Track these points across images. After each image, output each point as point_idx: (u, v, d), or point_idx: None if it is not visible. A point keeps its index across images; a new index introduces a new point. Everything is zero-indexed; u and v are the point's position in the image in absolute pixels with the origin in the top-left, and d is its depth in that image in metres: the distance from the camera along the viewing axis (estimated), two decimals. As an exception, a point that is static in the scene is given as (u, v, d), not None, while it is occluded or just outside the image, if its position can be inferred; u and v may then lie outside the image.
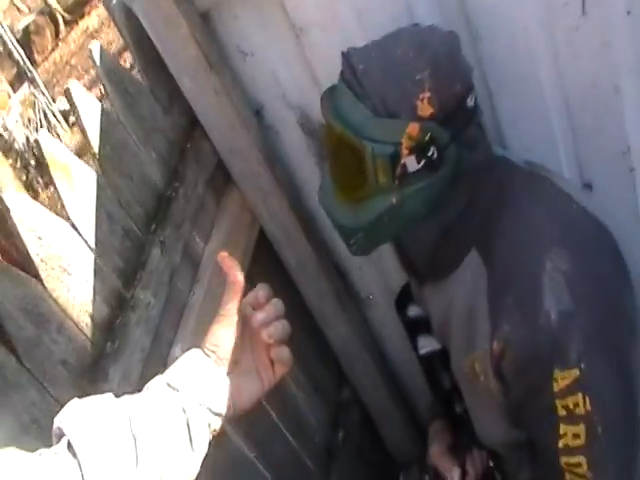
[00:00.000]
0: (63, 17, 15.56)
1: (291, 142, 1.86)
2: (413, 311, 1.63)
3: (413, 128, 1.18)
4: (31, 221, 1.16)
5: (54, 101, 10.31)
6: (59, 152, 1.30)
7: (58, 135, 8.96)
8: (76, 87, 1.40)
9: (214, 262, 1.63)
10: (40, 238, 1.17)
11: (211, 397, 0.99)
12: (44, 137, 1.28)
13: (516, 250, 1.20)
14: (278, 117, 1.81)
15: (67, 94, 1.40)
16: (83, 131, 1.41)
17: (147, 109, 1.61)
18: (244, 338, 1.07)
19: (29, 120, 9.72)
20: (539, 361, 1.13)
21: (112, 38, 10.63)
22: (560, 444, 1.13)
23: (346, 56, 1.26)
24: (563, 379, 1.11)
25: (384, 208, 1.25)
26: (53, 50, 14.06)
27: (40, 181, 8.50)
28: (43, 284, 1.16)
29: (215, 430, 0.99)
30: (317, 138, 1.81)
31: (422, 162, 1.21)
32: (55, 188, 1.28)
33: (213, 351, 1.03)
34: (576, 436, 1.11)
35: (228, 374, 1.04)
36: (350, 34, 1.42)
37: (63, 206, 1.28)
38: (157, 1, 1.53)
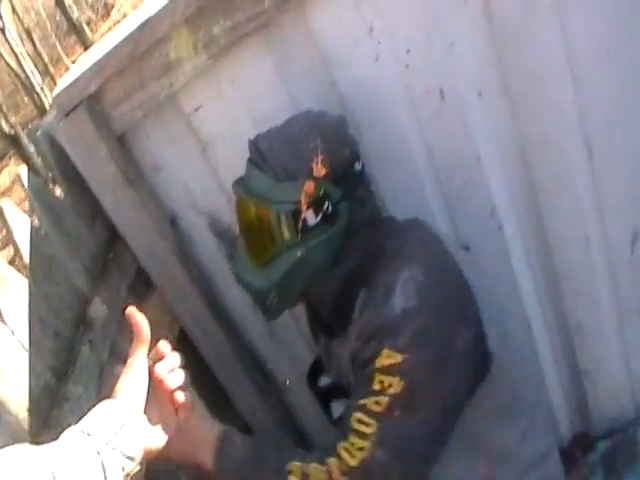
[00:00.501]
0: (-26, 177, 15.48)
1: (204, 245, 1.97)
2: (324, 381, 1.73)
3: (309, 186, 1.37)
4: None
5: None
6: None
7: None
8: (8, 205, 1.51)
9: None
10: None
11: (123, 441, 1.02)
12: None
13: (384, 268, 1.35)
14: (191, 224, 1.93)
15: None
16: (15, 245, 1.49)
17: (72, 225, 1.71)
18: (150, 388, 1.15)
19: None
20: (375, 338, 1.27)
21: (24, 196, 10.56)
22: (362, 402, 1.24)
23: (252, 141, 1.47)
24: (387, 357, 1.22)
25: (292, 263, 1.40)
26: (-36, 212, 13.86)
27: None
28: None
29: (128, 474, 1.02)
30: (226, 239, 1.93)
31: (319, 215, 1.38)
32: None
33: (123, 399, 1.09)
34: (377, 403, 1.21)
35: (138, 420, 1.10)
36: (251, 141, 1.59)
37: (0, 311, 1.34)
38: (78, 128, 1.66)
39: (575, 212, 1.77)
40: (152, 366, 1.17)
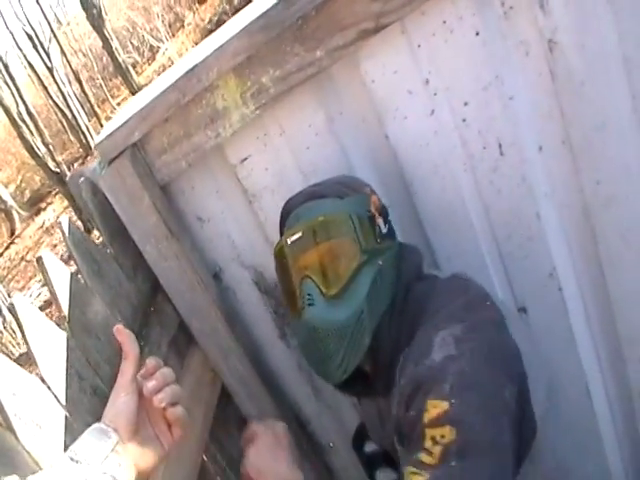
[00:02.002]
0: (19, 214, 15.83)
1: (248, 301, 1.93)
2: (369, 447, 1.67)
3: (375, 199, 1.44)
4: (6, 378, 1.19)
5: (9, 296, 10.27)
6: (33, 315, 1.34)
7: (14, 330, 8.88)
8: (48, 256, 1.47)
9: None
10: (14, 394, 1.19)
11: (113, 465, 1.03)
12: (19, 300, 1.31)
13: (423, 330, 1.30)
14: (235, 278, 1.90)
15: (39, 262, 1.46)
16: (54, 295, 1.45)
17: (112, 276, 1.67)
18: (141, 406, 1.16)
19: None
20: (418, 392, 1.18)
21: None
22: (415, 456, 1.13)
23: (293, 197, 1.50)
24: (434, 408, 1.13)
25: (375, 272, 1.36)
26: (8, 247, 14.15)
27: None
28: (17, 438, 1.15)
29: None
30: (272, 296, 1.89)
31: (387, 226, 1.41)
32: (29, 348, 1.31)
33: (112, 421, 1.09)
34: (431, 455, 1.11)
35: (129, 441, 1.09)
36: (299, 195, 1.55)
37: (36, 365, 1.30)
38: (121, 176, 1.63)
39: (641, 274, 1.68)
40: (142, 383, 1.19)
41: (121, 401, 1.15)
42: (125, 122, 1.64)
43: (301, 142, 1.69)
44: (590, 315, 1.78)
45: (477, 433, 1.11)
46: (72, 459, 1.01)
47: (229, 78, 1.58)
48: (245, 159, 1.72)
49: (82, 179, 1.71)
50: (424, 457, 1.11)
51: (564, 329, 1.78)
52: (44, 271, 1.47)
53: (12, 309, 1.32)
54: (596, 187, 1.59)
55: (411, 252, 1.48)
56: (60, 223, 1.59)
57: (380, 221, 1.40)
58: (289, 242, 1.42)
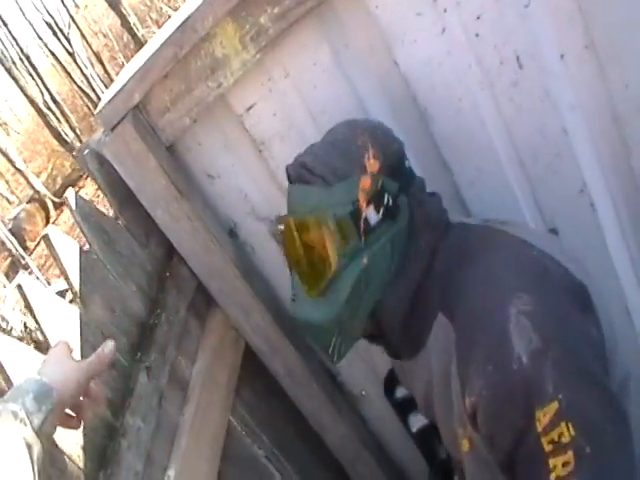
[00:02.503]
0: (53, 201, 16.03)
1: (266, 254, 1.88)
2: (400, 392, 1.63)
3: (365, 181, 1.25)
4: (20, 360, 1.18)
5: (49, 284, 10.40)
6: (44, 295, 1.32)
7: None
8: (54, 232, 1.44)
9: (202, 382, 1.66)
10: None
11: (48, 429, 1.01)
12: (26, 282, 1.30)
13: (479, 303, 1.17)
14: (251, 232, 1.85)
15: (45, 240, 1.43)
16: (64, 273, 1.43)
17: (124, 245, 1.64)
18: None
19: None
20: (518, 406, 1.07)
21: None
22: (552, 478, 1.02)
23: (292, 162, 1.36)
24: (545, 415, 1.03)
25: (358, 273, 1.26)
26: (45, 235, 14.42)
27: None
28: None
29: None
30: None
31: (381, 211, 1.26)
32: (41, 329, 1.29)
33: (57, 383, 1.06)
34: (566, 464, 1.01)
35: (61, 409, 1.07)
36: (308, 138, 1.48)
37: (49, 345, 1.27)
38: (125, 142, 1.59)
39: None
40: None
41: (77, 373, 1.12)
42: (123, 85, 1.59)
43: (307, 82, 1.61)
44: (625, 230, 1.68)
45: (590, 409, 1.04)
46: (15, 415, 0.97)
47: (226, 23, 1.51)
48: (251, 107, 1.65)
49: (87, 151, 1.67)
50: (559, 470, 1.02)
51: (599, 247, 1.69)
52: (51, 248, 1.44)
53: (20, 290, 1.29)
54: (625, 91, 1.47)
55: (430, 226, 1.33)
56: (67, 197, 1.57)
57: (370, 210, 1.27)
58: (280, 229, 1.39)
